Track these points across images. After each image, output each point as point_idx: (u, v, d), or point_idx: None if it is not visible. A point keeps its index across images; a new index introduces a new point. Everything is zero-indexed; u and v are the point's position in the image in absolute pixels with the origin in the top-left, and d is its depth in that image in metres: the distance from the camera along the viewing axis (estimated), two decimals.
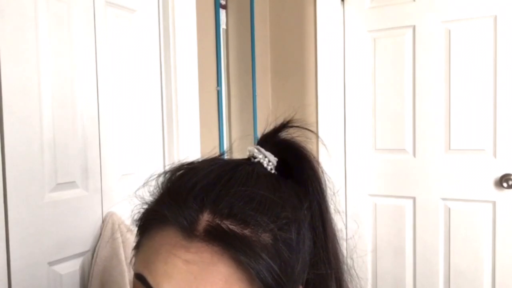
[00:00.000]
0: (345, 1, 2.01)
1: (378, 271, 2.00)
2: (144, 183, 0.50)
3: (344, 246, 0.49)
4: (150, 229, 0.43)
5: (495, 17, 1.73)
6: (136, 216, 0.49)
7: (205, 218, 0.39)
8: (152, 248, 0.41)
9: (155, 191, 0.48)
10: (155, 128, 1.50)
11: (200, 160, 0.48)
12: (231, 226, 0.38)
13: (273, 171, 0.46)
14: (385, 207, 1.98)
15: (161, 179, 0.48)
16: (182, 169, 0.46)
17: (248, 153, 0.47)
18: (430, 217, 1.88)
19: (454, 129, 1.81)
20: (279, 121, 0.49)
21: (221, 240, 0.38)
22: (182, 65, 1.51)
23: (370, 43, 1.97)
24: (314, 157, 0.47)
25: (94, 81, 1.25)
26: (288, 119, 0.48)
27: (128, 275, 1.21)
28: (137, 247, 0.46)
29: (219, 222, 0.38)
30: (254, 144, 0.48)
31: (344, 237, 0.51)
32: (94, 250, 1.22)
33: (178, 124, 1.51)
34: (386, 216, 1.98)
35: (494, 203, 1.77)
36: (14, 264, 1.03)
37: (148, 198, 0.49)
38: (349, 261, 0.50)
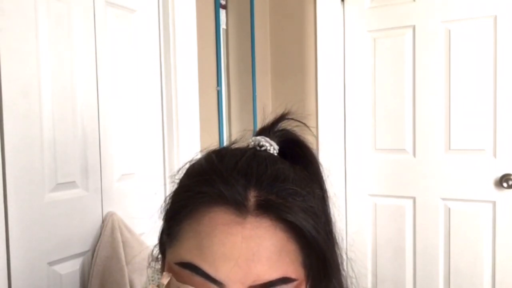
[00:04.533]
0: (345, 1, 2.01)
1: (378, 271, 2.00)
2: (178, 170, 0.49)
3: (344, 246, 0.52)
4: (192, 213, 0.42)
5: (495, 17, 1.73)
6: (168, 206, 0.48)
7: (253, 194, 0.40)
8: (202, 231, 0.40)
9: (184, 179, 0.47)
10: (155, 128, 1.50)
11: (216, 148, 0.50)
12: (277, 199, 0.40)
13: None
14: (385, 207, 1.98)
15: (187, 166, 0.49)
16: (215, 155, 0.46)
17: (252, 143, 0.49)
18: (430, 217, 1.88)
19: (454, 129, 1.81)
20: (277, 114, 0.52)
21: (271, 212, 0.40)
22: (182, 65, 1.51)
23: (370, 43, 1.97)
24: (311, 145, 0.51)
25: (94, 81, 1.25)
26: (285, 111, 0.51)
27: (128, 275, 1.21)
28: (172, 237, 0.44)
29: (267, 196, 0.40)
30: (253, 137, 0.51)
31: (344, 236, 0.52)
32: (94, 250, 1.22)
33: (178, 124, 1.51)
34: (386, 216, 1.98)
35: (494, 203, 1.77)
36: (14, 264, 1.03)
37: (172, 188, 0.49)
38: (349, 260, 0.53)
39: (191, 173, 0.46)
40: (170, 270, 0.43)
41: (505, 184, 1.72)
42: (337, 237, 0.49)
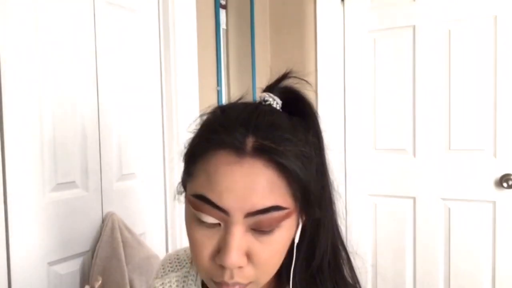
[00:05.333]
0: (345, 1, 2.01)
1: (378, 271, 2.00)
2: (194, 120, 0.59)
3: (336, 209, 0.60)
4: (204, 155, 0.51)
5: (495, 17, 1.73)
6: (186, 150, 0.57)
7: (251, 140, 0.49)
8: (210, 170, 0.50)
9: (197, 129, 0.57)
10: (155, 128, 1.50)
11: (226, 104, 0.59)
12: (271, 144, 0.49)
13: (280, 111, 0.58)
14: (385, 207, 1.98)
15: (199, 120, 0.58)
16: (219, 109, 0.56)
17: (258, 98, 0.58)
18: (430, 217, 1.88)
19: (454, 129, 1.81)
20: (280, 73, 0.60)
21: (265, 154, 0.49)
22: (182, 65, 1.51)
23: (370, 43, 1.97)
24: (310, 99, 0.59)
25: (94, 81, 1.25)
26: (288, 70, 0.60)
27: (128, 275, 1.21)
28: (189, 174, 0.54)
29: (262, 141, 0.49)
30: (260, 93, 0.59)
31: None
32: (94, 250, 1.22)
33: (178, 124, 1.51)
34: (386, 216, 1.98)
35: (494, 203, 1.77)
36: (14, 264, 1.03)
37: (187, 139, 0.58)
38: (352, 254, 0.61)
39: (202, 124, 0.56)
40: (188, 200, 0.53)
41: (505, 184, 1.72)
42: (332, 179, 0.59)
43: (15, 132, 1.04)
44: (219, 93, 1.72)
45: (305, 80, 0.61)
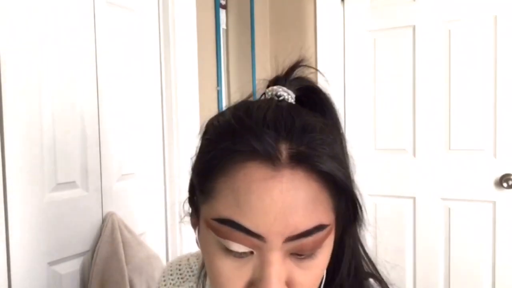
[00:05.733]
0: (345, 1, 2.01)
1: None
2: (201, 126, 0.50)
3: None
4: (226, 170, 0.42)
5: (495, 17, 1.73)
6: (198, 162, 0.47)
7: (284, 147, 0.41)
8: (238, 189, 0.41)
9: (209, 136, 0.47)
10: (155, 128, 1.50)
11: (237, 103, 0.49)
12: (308, 150, 0.41)
13: None
14: (385, 207, 1.98)
15: (214, 122, 0.48)
16: (234, 110, 0.46)
17: (269, 93, 0.49)
18: (430, 217, 1.88)
19: (454, 129, 1.81)
20: (291, 62, 0.52)
21: (304, 164, 0.41)
22: (182, 65, 1.51)
23: (370, 43, 1.97)
24: (328, 91, 0.51)
25: (94, 81, 1.25)
26: (300, 59, 0.51)
27: (128, 275, 1.21)
28: (206, 193, 0.44)
29: (297, 147, 0.41)
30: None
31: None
32: (94, 250, 1.22)
33: (178, 124, 1.51)
34: (386, 216, 1.98)
35: (494, 203, 1.77)
36: (14, 264, 1.03)
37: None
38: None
39: (219, 131, 0.45)
40: (208, 226, 0.44)
41: (505, 184, 1.72)
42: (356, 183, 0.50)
43: (15, 132, 1.04)
44: (219, 93, 1.72)
45: (317, 70, 0.53)
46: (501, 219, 1.76)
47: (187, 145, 1.51)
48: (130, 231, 1.29)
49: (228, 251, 0.42)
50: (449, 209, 1.85)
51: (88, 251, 1.23)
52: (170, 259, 1.53)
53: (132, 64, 1.39)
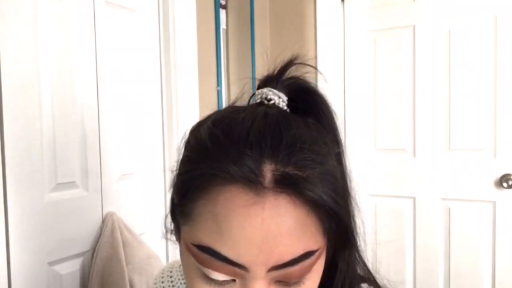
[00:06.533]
0: (345, 1, 2.01)
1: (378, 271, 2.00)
2: (183, 137, 0.46)
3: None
4: (206, 193, 0.39)
5: (495, 17, 1.73)
6: (178, 179, 0.44)
7: (268, 168, 0.37)
8: (218, 214, 0.38)
9: (190, 151, 0.43)
10: (155, 128, 1.50)
11: (217, 112, 0.45)
12: (295, 172, 0.37)
13: (287, 111, 0.46)
14: (385, 207, 1.98)
15: (190, 139, 0.44)
16: (216, 124, 0.42)
17: (258, 96, 0.45)
18: (430, 217, 1.88)
19: (454, 129, 1.81)
20: (283, 61, 0.47)
21: (290, 187, 0.37)
22: (182, 65, 1.51)
23: (370, 43, 1.97)
24: (323, 92, 0.47)
25: (94, 81, 1.25)
26: (293, 56, 0.46)
27: (128, 275, 1.21)
28: (186, 215, 0.41)
29: (283, 169, 0.37)
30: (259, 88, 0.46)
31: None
32: (94, 250, 1.22)
33: (178, 124, 1.51)
34: (386, 216, 1.98)
35: (494, 203, 1.77)
36: (14, 264, 1.03)
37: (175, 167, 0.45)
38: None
39: (197, 150, 0.42)
40: (188, 249, 0.41)
41: (505, 184, 1.72)
42: (353, 195, 0.47)
43: (15, 132, 1.04)
44: (219, 93, 1.72)
45: (314, 67, 0.48)
46: (501, 219, 1.76)
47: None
48: (130, 231, 1.29)
49: (209, 279, 0.40)
50: (449, 209, 1.85)
51: (88, 251, 1.23)
52: (170, 259, 1.53)
53: (132, 64, 1.39)
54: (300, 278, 0.39)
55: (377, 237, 2.00)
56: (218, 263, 0.38)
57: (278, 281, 0.39)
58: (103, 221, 1.26)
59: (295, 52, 0.47)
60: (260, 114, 0.41)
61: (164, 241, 1.52)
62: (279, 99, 0.45)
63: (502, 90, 1.73)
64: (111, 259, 1.20)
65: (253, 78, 1.97)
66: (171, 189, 0.45)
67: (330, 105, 0.46)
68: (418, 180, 1.89)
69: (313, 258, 0.39)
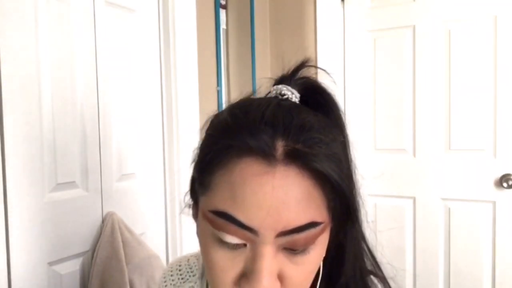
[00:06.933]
0: (345, 1, 2.01)
1: None
2: (205, 122, 0.51)
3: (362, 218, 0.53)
4: (223, 165, 0.43)
5: (495, 17, 1.73)
6: (198, 156, 0.49)
7: (280, 144, 0.42)
8: (234, 181, 0.42)
9: (211, 132, 0.48)
10: (155, 128, 1.50)
11: (239, 100, 0.50)
12: (303, 148, 0.42)
13: None
14: (385, 207, 1.98)
15: (215, 120, 0.50)
16: (236, 108, 0.47)
17: (274, 92, 0.50)
18: (430, 217, 1.88)
19: (454, 129, 1.81)
20: (297, 62, 0.52)
21: (299, 160, 0.42)
22: (182, 65, 1.51)
23: (370, 43, 1.97)
24: (333, 92, 0.52)
25: (94, 81, 1.25)
26: (306, 59, 0.52)
27: (128, 275, 1.21)
28: (205, 186, 0.46)
29: (293, 145, 0.42)
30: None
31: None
32: (94, 250, 1.22)
33: (178, 124, 1.51)
34: (386, 216, 1.98)
35: (494, 203, 1.77)
36: (14, 264, 1.03)
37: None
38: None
39: (218, 127, 0.47)
40: (205, 217, 0.45)
41: (505, 184, 1.72)
42: (358, 186, 0.51)
43: (15, 132, 1.04)
44: (219, 93, 1.72)
45: (324, 70, 0.54)
46: (501, 219, 1.76)
47: (187, 145, 1.51)
48: (130, 231, 1.29)
49: (223, 243, 0.43)
50: (449, 209, 1.85)
51: (88, 251, 1.23)
52: (170, 259, 1.53)
53: (132, 64, 1.39)
54: (305, 246, 0.43)
55: (377, 237, 2.00)
56: (232, 226, 0.42)
57: (285, 249, 0.43)
58: (103, 221, 1.26)
59: (307, 55, 0.53)
60: (274, 102, 0.46)
61: (164, 241, 1.52)
62: (292, 94, 0.49)
63: (502, 90, 1.73)
64: (111, 259, 1.20)
65: (253, 78, 1.96)
66: (192, 166, 0.50)
67: (338, 103, 0.52)
68: (418, 180, 1.89)
69: (318, 229, 0.43)
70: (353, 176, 0.50)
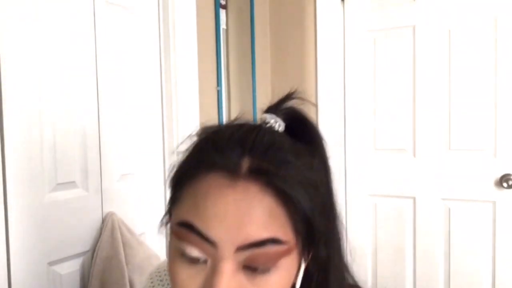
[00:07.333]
0: (345, 1, 2.01)
1: (378, 271, 2.00)
2: (181, 142, 0.52)
3: (344, 246, 0.54)
4: (192, 179, 0.45)
5: (495, 17, 1.73)
6: (172, 174, 0.50)
7: (247, 161, 0.43)
8: (198, 195, 0.43)
9: (186, 151, 0.50)
10: (155, 128, 1.50)
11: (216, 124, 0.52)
12: (268, 166, 0.43)
13: None
14: (385, 207, 1.98)
15: (188, 141, 0.52)
16: (211, 129, 0.50)
17: (259, 120, 0.52)
18: (430, 217, 1.88)
19: (454, 129, 1.81)
20: (283, 94, 0.54)
21: (263, 176, 0.42)
22: (182, 65, 1.51)
23: (370, 43, 1.97)
24: (316, 123, 0.53)
25: (94, 81, 1.25)
26: (291, 91, 0.53)
27: (128, 275, 1.21)
28: (175, 200, 0.47)
29: (259, 162, 0.43)
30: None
31: (344, 236, 0.55)
32: (94, 250, 1.22)
33: (178, 124, 1.51)
34: (386, 216, 1.98)
35: (494, 203, 1.77)
36: (14, 264, 1.03)
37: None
38: (349, 259, 0.55)
39: (192, 146, 0.49)
40: (173, 230, 0.46)
41: (505, 184, 1.72)
42: (338, 212, 0.51)
43: (15, 132, 1.04)
44: (219, 93, 1.72)
45: (310, 102, 0.55)
46: (501, 219, 1.76)
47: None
48: (130, 231, 1.29)
49: (184, 257, 0.43)
50: (449, 209, 1.85)
51: (88, 251, 1.23)
52: None
53: (132, 64, 1.39)
54: (266, 265, 0.42)
55: (377, 237, 2.00)
56: (193, 237, 0.42)
57: (245, 268, 0.42)
58: (103, 221, 1.26)
59: (294, 87, 0.54)
60: (252, 125, 0.48)
61: (164, 241, 1.52)
62: (276, 123, 0.50)
63: (502, 90, 1.73)
64: (111, 259, 1.20)
65: (253, 78, 1.97)
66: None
67: (321, 134, 0.53)
68: (418, 180, 1.89)
69: (279, 247, 0.42)
70: (334, 207, 0.50)
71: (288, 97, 0.53)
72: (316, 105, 2.01)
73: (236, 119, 0.53)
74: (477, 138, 1.78)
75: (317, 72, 2.00)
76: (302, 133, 0.51)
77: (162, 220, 0.53)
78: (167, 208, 0.52)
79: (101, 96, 1.27)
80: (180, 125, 1.51)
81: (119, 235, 1.23)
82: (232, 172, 0.43)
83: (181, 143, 0.52)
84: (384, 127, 1.95)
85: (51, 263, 1.13)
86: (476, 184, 1.79)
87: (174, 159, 0.51)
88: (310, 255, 0.47)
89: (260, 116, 0.52)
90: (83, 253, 1.22)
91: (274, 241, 0.42)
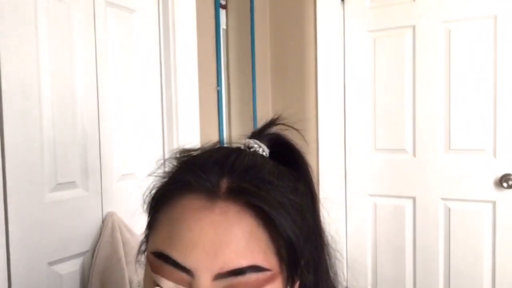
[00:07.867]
0: (345, 1, 2.01)
1: (378, 271, 2.00)
2: (159, 166, 0.51)
3: (344, 247, 0.51)
4: (168, 202, 0.42)
5: (495, 17, 1.73)
6: (148, 199, 0.48)
7: (225, 181, 0.41)
8: (173, 219, 0.40)
9: (164, 173, 0.48)
10: (155, 128, 1.50)
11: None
12: (248, 186, 0.40)
13: None
14: (385, 207, 1.98)
15: (167, 162, 0.50)
16: (189, 151, 0.48)
17: (242, 146, 0.50)
18: (430, 217, 1.88)
19: (454, 129, 1.81)
20: (267, 119, 0.53)
21: (242, 196, 0.39)
22: (182, 65, 1.51)
23: (370, 43, 1.97)
24: (302, 148, 0.52)
25: (94, 81, 1.25)
26: (276, 116, 0.52)
27: (127, 275, 1.21)
28: (150, 226, 0.45)
29: (239, 182, 0.40)
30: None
31: (344, 236, 0.53)
32: (94, 250, 1.22)
33: (178, 124, 1.51)
34: (386, 216, 1.98)
35: (494, 203, 1.77)
36: (14, 264, 1.03)
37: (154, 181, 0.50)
38: (349, 260, 0.53)
39: (168, 172, 0.48)
40: (148, 260, 0.43)
41: (505, 184, 1.72)
42: (326, 239, 0.49)
43: (15, 132, 1.04)
44: (219, 93, 1.72)
45: (293, 128, 0.52)
46: (501, 219, 1.76)
47: (187, 145, 1.51)
48: (130, 231, 1.29)
49: None
50: (449, 209, 1.85)
51: (88, 251, 1.23)
52: None
53: (132, 64, 1.39)
54: None
55: (377, 237, 2.00)
56: (168, 268, 0.39)
57: None
58: (103, 221, 1.26)
59: (278, 112, 0.53)
60: (233, 148, 0.47)
61: None
62: (260, 148, 0.49)
63: (502, 90, 1.73)
64: (111, 259, 1.20)
65: (253, 78, 1.97)
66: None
67: (306, 159, 0.51)
68: (418, 180, 1.90)
69: (261, 275, 0.39)
70: (321, 235, 0.48)
71: (272, 122, 0.52)
72: (316, 106, 2.01)
73: (214, 144, 0.51)
74: (477, 138, 1.78)
75: (317, 72, 2.00)
76: (287, 158, 0.49)
77: (140, 248, 0.50)
78: (145, 234, 0.48)
79: (101, 96, 1.27)
80: (180, 125, 1.51)
81: (119, 235, 1.23)
82: (210, 193, 0.40)
83: (158, 168, 0.50)
84: (384, 127, 1.95)
85: (51, 263, 1.13)
86: (476, 184, 1.79)
87: (150, 182, 0.49)
88: (297, 284, 0.44)
89: (243, 141, 0.50)
90: (83, 253, 1.22)
91: (255, 268, 0.38)
